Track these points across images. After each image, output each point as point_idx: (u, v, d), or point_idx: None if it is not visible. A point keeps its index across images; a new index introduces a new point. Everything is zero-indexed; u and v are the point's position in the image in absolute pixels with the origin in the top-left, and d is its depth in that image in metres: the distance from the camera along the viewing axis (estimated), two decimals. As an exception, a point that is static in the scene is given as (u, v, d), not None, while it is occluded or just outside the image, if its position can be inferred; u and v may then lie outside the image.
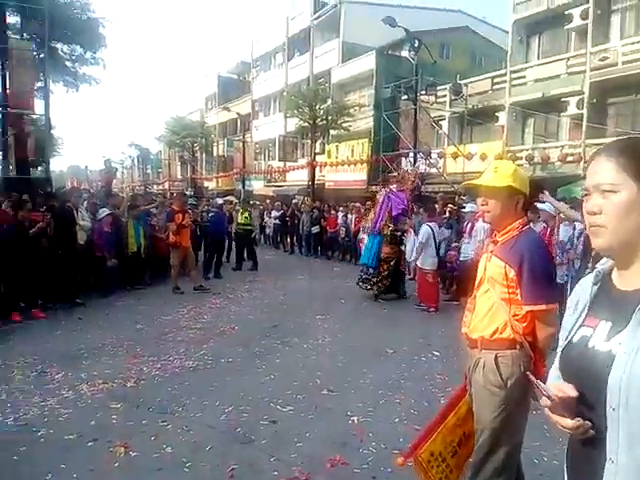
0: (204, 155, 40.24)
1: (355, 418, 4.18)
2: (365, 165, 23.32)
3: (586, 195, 1.20)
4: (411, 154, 19.42)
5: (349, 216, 15.31)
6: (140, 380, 4.99)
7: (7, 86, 11.74)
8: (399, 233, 9.35)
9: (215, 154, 38.89)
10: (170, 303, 8.58)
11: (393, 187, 10.06)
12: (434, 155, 20.92)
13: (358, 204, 15.84)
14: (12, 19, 14.35)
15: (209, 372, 5.31)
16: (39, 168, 15.82)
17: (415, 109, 18.64)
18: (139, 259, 9.65)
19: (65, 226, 7.76)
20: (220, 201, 13.48)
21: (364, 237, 12.88)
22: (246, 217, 13.10)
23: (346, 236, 15.24)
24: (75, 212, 8.29)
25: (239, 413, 4.24)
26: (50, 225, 7.48)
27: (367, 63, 24.71)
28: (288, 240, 18.35)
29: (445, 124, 21.78)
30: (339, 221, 15.61)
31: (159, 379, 5.06)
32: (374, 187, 22.55)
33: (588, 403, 1.15)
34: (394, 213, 9.17)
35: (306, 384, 4.95)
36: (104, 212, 8.88)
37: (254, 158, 33.80)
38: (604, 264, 1.29)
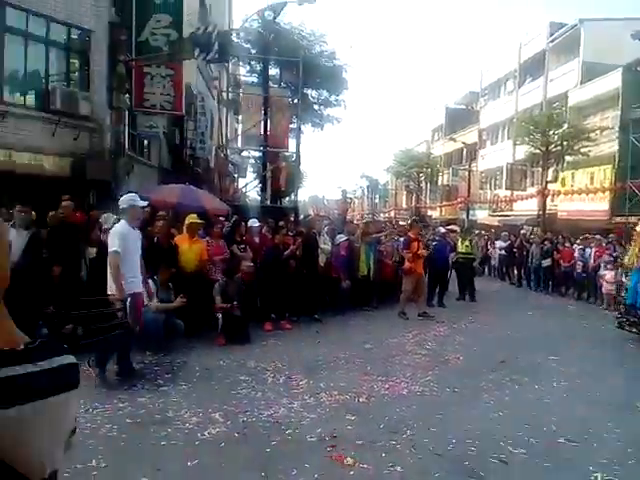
0: (429, 185, 40.84)
1: (599, 475, 3.77)
2: (607, 194, 20.77)
3: None
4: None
5: (587, 250, 13.78)
6: (371, 397, 5.31)
7: (268, 129, 13.85)
8: None
9: (440, 183, 39.15)
10: (396, 327, 8.91)
11: None
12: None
13: (599, 236, 14.20)
14: (272, 71, 16.96)
15: (435, 399, 5.37)
16: (287, 198, 18.12)
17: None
18: (368, 282, 10.28)
19: (310, 249, 8.81)
20: (443, 230, 13.52)
21: (605, 273, 11.50)
22: (467, 245, 12.89)
23: (583, 272, 13.73)
24: (318, 237, 9.32)
25: (466, 446, 4.19)
26: (299, 248, 8.57)
27: (612, 82, 22.11)
28: (515, 272, 17.33)
29: None
30: (575, 254, 14.15)
31: (387, 399, 5.31)
32: (619, 218, 19.91)
33: None
34: None
35: (539, 428, 4.63)
36: (341, 238, 9.77)
37: (479, 187, 33.00)
38: None
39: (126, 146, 10.90)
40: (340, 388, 5.50)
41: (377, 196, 56.40)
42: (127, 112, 11.04)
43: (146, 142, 14.67)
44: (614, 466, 3.91)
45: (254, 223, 9.09)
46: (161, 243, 7.35)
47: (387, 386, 5.69)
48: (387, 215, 45.25)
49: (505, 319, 10.22)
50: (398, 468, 3.77)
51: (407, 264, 9.83)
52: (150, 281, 6.41)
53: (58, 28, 10.13)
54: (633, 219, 19.13)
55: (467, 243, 13.02)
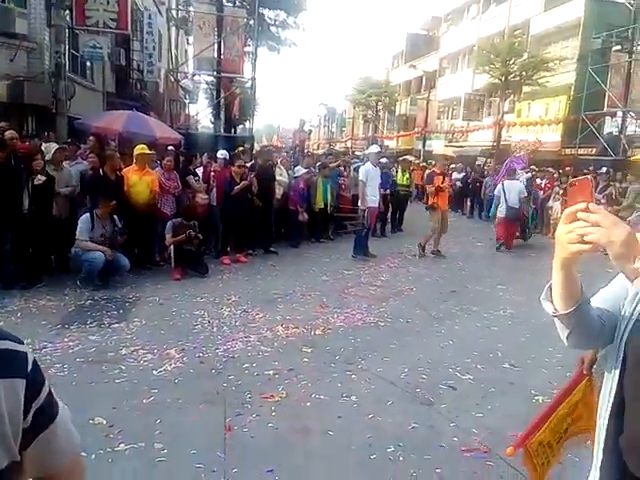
0: (387, 114, 40.31)
1: (540, 398, 4.00)
2: (560, 125, 21.12)
3: None
4: (619, 114, 17.03)
5: (538, 181, 14.12)
6: (327, 329, 5.40)
7: (222, 52, 13.06)
8: None
9: (398, 113, 38.71)
10: (352, 259, 9.00)
11: (515, 153, 12.93)
12: (649, 115, 18.08)
13: (551, 169, 14.55)
14: (225, -13, 15.78)
15: (389, 330, 5.52)
16: (241, 126, 17.50)
17: (629, 61, 16.17)
18: (325, 215, 10.25)
19: (266, 181, 8.60)
20: (384, 160, 13.24)
21: (554, 205, 11.91)
22: (407, 178, 12.90)
23: (533, 203, 14.13)
24: (274, 168, 9.08)
25: (418, 374, 4.36)
26: (253, 183, 8.33)
27: (574, 10, 21.88)
28: (469, 204, 17.68)
29: (667, 78, 18.53)
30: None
31: (343, 330, 5.41)
32: (569, 150, 20.40)
33: None
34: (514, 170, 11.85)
35: (486, 355, 4.86)
36: (301, 170, 9.57)
37: (437, 117, 32.83)
38: None
39: (67, 68, 10.10)
40: (296, 321, 5.56)
41: (334, 125, 55.43)
42: (67, 31, 10.17)
43: (89, 64, 13.67)
44: (554, 390, 4.16)
45: (223, 155, 8.81)
46: (107, 175, 6.97)
47: (343, 318, 5.78)
48: (344, 145, 44.75)
49: (457, 250, 10.48)
50: (353, 397, 3.88)
51: (430, 199, 9.60)
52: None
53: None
54: (582, 151, 19.69)
55: (407, 175, 13.04)
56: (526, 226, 11.59)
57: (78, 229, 6.29)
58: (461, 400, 3.93)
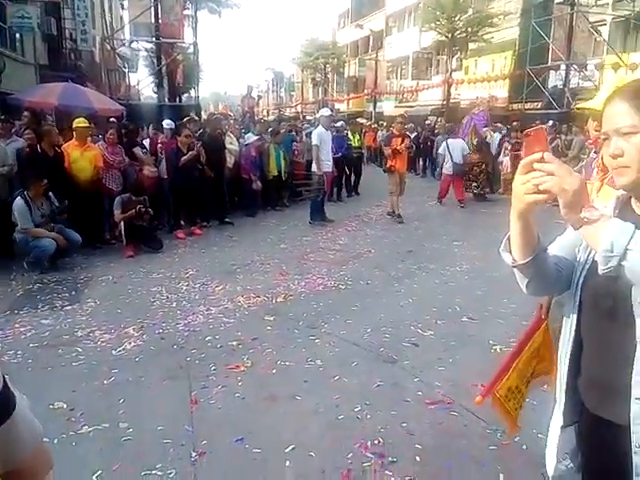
0: (335, 76, 39.82)
1: (498, 347, 4.15)
2: (507, 81, 21.44)
3: (605, 139, 1.23)
4: (562, 66, 17.39)
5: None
6: (288, 296, 5.39)
7: (160, 16, 12.42)
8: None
9: (346, 75, 38.29)
10: (308, 225, 8.96)
11: (474, 110, 12.82)
12: (590, 67, 18.54)
13: (499, 124, 14.76)
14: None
15: (349, 292, 5.56)
16: (186, 95, 16.88)
17: (571, 14, 16.44)
18: (280, 182, 10.12)
19: (216, 151, 8.35)
20: (339, 123, 13.13)
21: (504, 160, 12.17)
22: (358, 139, 12.86)
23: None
24: (223, 137, 8.83)
25: (381, 333, 4.43)
26: (201, 153, 8.07)
27: (516, -37, 21.98)
28: (421, 163, 17.85)
29: (605, 30, 18.96)
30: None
31: (304, 296, 5.42)
32: (516, 105, 20.80)
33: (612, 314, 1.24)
34: (478, 129, 11.95)
35: (445, 310, 4.98)
36: (251, 137, 9.34)
37: (386, 78, 32.71)
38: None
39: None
40: (257, 290, 5.52)
41: (283, 90, 54.38)
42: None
43: (18, 36, 12.77)
44: (511, 339, 4.31)
45: (169, 125, 8.48)
46: (45, 151, 6.60)
47: (303, 284, 5.78)
48: (294, 110, 44.11)
49: (412, 210, 10.58)
50: (318, 362, 3.90)
51: (388, 162, 9.39)
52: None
53: None
54: (528, 105, 20.10)
55: (358, 137, 12.99)
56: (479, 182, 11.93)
57: (18, 219, 5.90)
58: (423, 356, 4.02)
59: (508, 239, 1.30)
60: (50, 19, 14.26)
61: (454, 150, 11.13)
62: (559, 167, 1.10)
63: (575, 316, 1.36)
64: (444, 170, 11.42)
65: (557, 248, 1.39)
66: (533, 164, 1.12)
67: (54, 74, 13.16)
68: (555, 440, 1.47)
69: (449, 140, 11.48)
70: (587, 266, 1.31)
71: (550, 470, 1.50)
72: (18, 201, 5.95)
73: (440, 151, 12.13)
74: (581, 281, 1.33)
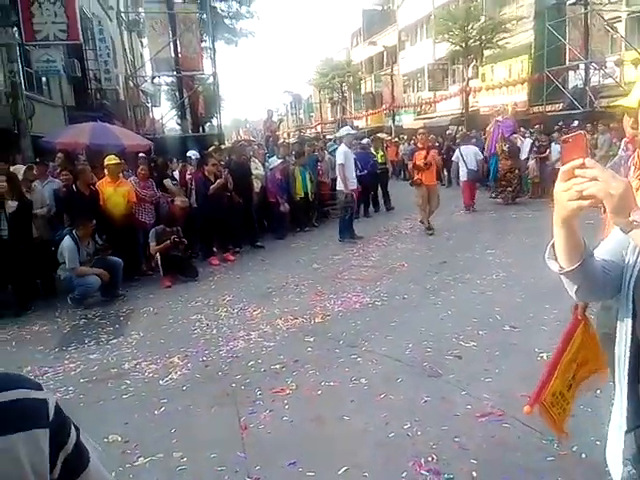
0: (352, 94, 40.17)
1: (544, 355, 4.06)
2: (526, 85, 21.28)
3: None
4: (581, 66, 17.18)
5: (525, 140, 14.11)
6: (326, 316, 5.40)
7: (179, 51, 12.79)
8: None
9: (363, 92, 38.59)
10: (339, 243, 9.00)
11: (499, 118, 12.16)
12: (609, 64, 18.28)
13: (522, 128, 14.62)
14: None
15: (386, 308, 5.55)
16: (208, 124, 17.26)
17: (586, 13, 16.27)
18: (307, 203, 10.22)
19: (243, 177, 8.52)
20: (365, 141, 13.14)
21: (530, 164, 12.02)
22: (382, 155, 12.73)
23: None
24: (249, 162, 9.00)
25: (422, 348, 4.39)
26: (229, 180, 8.24)
27: (526, -33, 21.97)
28: (446, 173, 17.75)
29: (621, 26, 18.68)
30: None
31: (342, 315, 5.42)
32: (536, 108, 20.58)
33: None
34: (506, 135, 11.47)
35: (486, 320, 4.91)
36: (275, 161, 9.49)
37: (403, 91, 32.83)
38: None
39: (23, 86, 9.82)
40: (294, 312, 5.55)
41: (302, 111, 55.08)
42: (18, 48, 9.86)
43: (44, 79, 13.30)
44: (555, 345, 4.23)
45: (194, 155, 8.68)
46: (81, 190, 6.83)
47: (339, 303, 5.79)
48: (314, 130, 44.53)
49: (441, 220, 10.51)
50: (363, 380, 3.89)
51: (414, 175, 9.34)
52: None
53: None
54: (549, 107, 19.88)
55: (381, 153, 12.82)
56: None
57: (67, 258, 6.05)
58: (468, 368, 3.98)
59: (552, 246, 1.29)
60: (74, 61, 14.82)
61: (467, 156, 11.23)
62: (602, 172, 1.09)
63: (630, 320, 1.34)
64: (460, 177, 11.53)
65: (603, 251, 1.38)
66: (574, 170, 1.11)
67: (82, 114, 13.63)
68: (618, 445, 1.44)
69: (462, 147, 11.59)
70: (637, 268, 1.30)
71: (616, 476, 1.47)
72: (67, 241, 6.09)
73: (454, 159, 12.28)
74: (632, 283, 1.32)
